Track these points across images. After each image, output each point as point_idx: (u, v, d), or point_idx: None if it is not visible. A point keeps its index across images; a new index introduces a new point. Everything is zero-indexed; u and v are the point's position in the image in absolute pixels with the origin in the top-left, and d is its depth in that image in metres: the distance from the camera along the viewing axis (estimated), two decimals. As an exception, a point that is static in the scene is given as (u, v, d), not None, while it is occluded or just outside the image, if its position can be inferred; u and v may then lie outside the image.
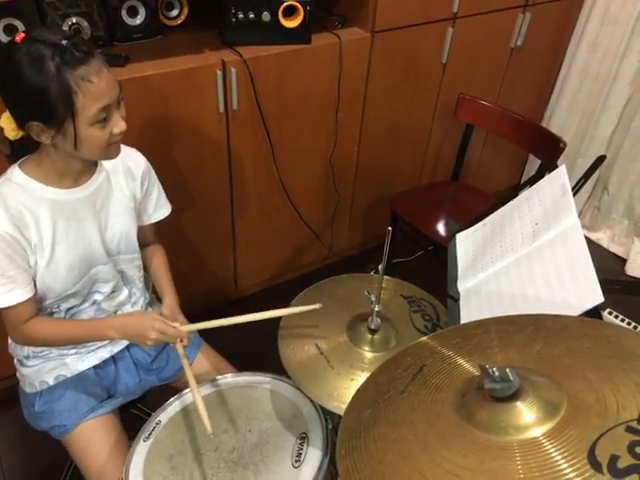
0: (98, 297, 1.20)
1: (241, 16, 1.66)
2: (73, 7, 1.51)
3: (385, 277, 1.26)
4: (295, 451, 1.05)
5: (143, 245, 1.29)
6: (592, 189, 2.74)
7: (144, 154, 1.23)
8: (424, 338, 0.89)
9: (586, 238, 0.96)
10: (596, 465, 0.56)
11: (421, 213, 2.08)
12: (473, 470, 0.61)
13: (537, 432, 0.63)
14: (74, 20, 1.52)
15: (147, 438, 1.09)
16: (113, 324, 1.13)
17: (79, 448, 1.19)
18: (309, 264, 2.40)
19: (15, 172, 1.04)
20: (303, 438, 1.08)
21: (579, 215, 1.10)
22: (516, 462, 0.60)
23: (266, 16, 1.67)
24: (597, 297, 0.88)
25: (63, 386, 1.21)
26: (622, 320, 2.18)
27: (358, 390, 0.85)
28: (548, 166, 1.85)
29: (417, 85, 2.12)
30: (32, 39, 0.91)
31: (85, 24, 1.54)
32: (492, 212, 1.25)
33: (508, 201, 1.22)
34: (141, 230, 1.26)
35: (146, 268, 1.32)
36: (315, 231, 2.25)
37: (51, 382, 1.20)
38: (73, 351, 1.21)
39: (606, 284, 0.89)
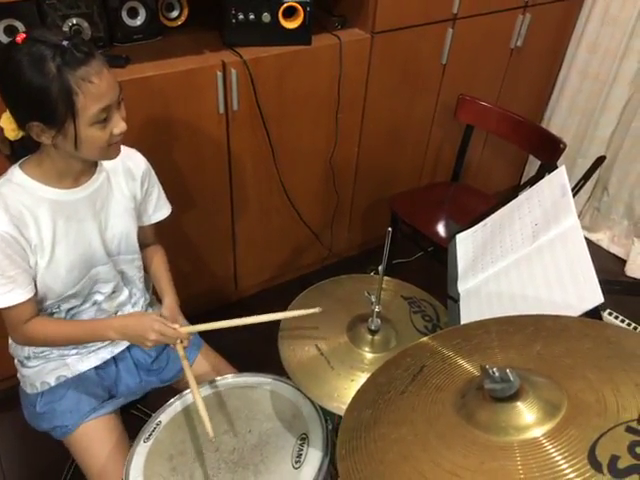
0: (99, 297, 1.20)
1: (241, 17, 1.66)
2: (73, 8, 1.51)
3: (385, 278, 1.27)
4: (295, 452, 1.05)
5: (143, 246, 1.29)
6: (592, 190, 2.74)
7: (144, 154, 1.24)
8: (424, 339, 0.89)
9: (586, 239, 0.96)
10: (596, 465, 0.56)
11: (421, 214, 2.08)
12: (473, 470, 0.62)
13: (537, 432, 0.63)
14: (74, 21, 1.52)
15: (147, 439, 1.09)
16: (113, 325, 1.13)
17: (81, 448, 1.19)
18: (309, 265, 2.40)
19: (15, 172, 1.04)
20: (303, 439, 1.08)
21: (579, 216, 1.10)
22: (516, 462, 0.60)
23: (266, 17, 1.67)
24: (597, 298, 0.88)
25: (64, 386, 1.21)
26: (622, 321, 2.18)
27: (358, 390, 0.85)
28: (548, 167, 1.85)
29: (417, 86, 2.12)
30: (33, 40, 0.91)
31: (85, 25, 1.54)
32: (492, 213, 1.25)
33: (508, 202, 1.22)
34: (141, 231, 1.26)
35: (146, 269, 1.32)
36: (315, 232, 2.25)
37: (52, 383, 1.20)
38: (74, 351, 1.21)
39: (606, 285, 0.89)
